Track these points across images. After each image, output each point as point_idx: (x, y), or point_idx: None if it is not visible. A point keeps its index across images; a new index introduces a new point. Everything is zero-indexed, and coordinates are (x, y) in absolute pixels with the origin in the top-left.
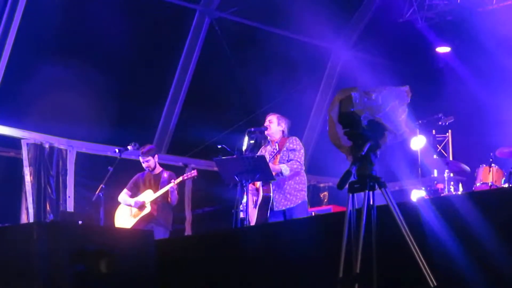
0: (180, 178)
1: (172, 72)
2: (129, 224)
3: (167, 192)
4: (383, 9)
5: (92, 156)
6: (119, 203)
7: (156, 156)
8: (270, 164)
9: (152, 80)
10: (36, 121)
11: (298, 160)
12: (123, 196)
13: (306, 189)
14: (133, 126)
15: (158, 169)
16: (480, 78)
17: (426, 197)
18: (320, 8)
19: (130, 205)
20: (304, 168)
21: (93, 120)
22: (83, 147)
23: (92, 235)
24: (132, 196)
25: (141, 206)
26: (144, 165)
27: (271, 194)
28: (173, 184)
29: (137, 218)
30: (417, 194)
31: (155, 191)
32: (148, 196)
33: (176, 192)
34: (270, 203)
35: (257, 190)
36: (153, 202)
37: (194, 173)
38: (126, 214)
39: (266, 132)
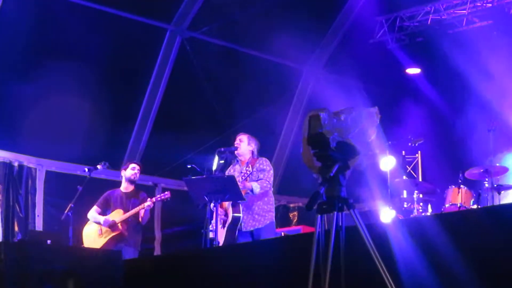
0: (154, 199)
1: (143, 91)
2: (99, 244)
3: (138, 211)
4: (354, 30)
5: (62, 175)
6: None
7: None
8: (242, 182)
9: (122, 99)
10: (5, 140)
11: (267, 179)
12: (93, 213)
13: (274, 210)
14: (103, 145)
15: (131, 187)
16: (449, 99)
17: (400, 217)
18: (291, 29)
19: (99, 223)
20: (272, 190)
21: (62, 139)
22: (52, 166)
23: (60, 255)
24: (101, 213)
25: (111, 225)
26: (133, 172)
27: (241, 215)
28: (150, 203)
29: (108, 238)
30: (387, 214)
31: (125, 210)
32: (119, 215)
33: (149, 211)
34: (239, 224)
35: (226, 212)
36: (124, 222)
37: (167, 194)
38: (95, 233)
39: (236, 152)
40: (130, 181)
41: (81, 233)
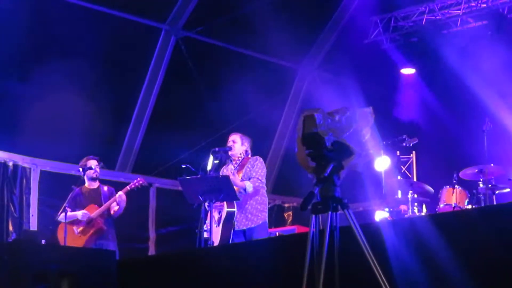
0: (128, 188)
1: (138, 91)
2: (79, 243)
3: (110, 205)
4: (349, 30)
5: (56, 174)
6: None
7: None
8: (235, 179)
9: (117, 98)
10: (0, 139)
11: (259, 177)
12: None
13: (267, 210)
14: (97, 145)
15: (95, 184)
16: (444, 99)
17: (389, 218)
18: (286, 28)
19: (76, 217)
20: (266, 188)
21: (57, 139)
22: (47, 165)
23: (55, 255)
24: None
25: (89, 221)
26: (95, 170)
27: (235, 210)
28: (121, 193)
29: (87, 235)
30: (380, 215)
31: (98, 205)
32: (94, 210)
33: (123, 202)
34: (233, 220)
35: (222, 205)
36: (101, 216)
37: (140, 180)
38: (72, 234)
39: (230, 152)
40: (92, 179)
41: (61, 236)
